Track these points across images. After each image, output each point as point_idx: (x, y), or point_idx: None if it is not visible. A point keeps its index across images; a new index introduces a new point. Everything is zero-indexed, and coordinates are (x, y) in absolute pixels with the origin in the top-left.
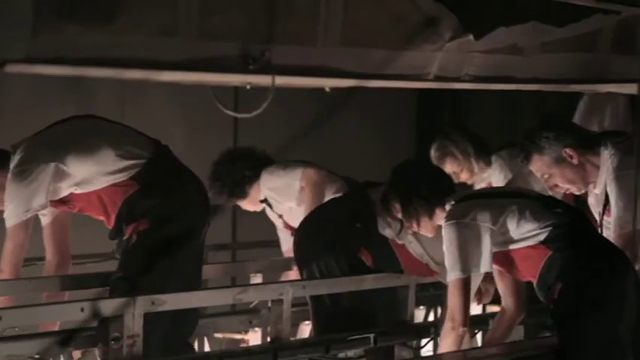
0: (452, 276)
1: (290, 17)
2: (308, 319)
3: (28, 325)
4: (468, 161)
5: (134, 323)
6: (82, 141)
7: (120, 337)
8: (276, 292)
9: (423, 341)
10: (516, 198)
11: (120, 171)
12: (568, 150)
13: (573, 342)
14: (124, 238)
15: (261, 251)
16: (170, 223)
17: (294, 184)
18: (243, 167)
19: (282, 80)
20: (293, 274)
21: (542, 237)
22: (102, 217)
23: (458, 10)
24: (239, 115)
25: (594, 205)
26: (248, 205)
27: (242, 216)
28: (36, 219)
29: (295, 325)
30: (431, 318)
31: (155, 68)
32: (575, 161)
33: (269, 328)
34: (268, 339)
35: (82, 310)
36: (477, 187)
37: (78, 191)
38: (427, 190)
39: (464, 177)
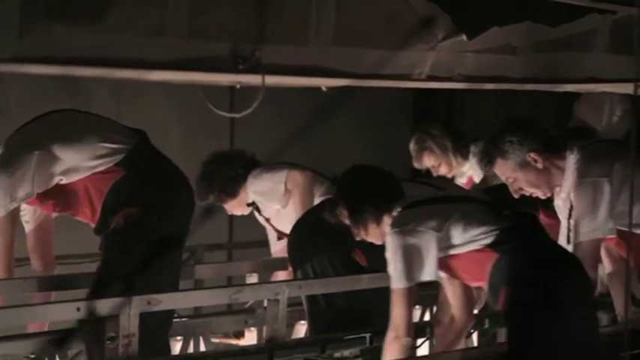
0: (396, 285)
1: (281, 17)
2: (303, 319)
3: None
4: (445, 155)
5: (130, 323)
6: (64, 129)
7: (115, 337)
8: (272, 292)
9: (419, 341)
10: (462, 203)
11: (104, 156)
12: (532, 154)
13: (523, 347)
14: (110, 227)
15: (257, 251)
16: (159, 209)
17: (278, 187)
18: (236, 166)
19: (272, 80)
20: (284, 274)
21: (488, 240)
22: (86, 215)
23: (451, 10)
24: (228, 115)
25: (561, 208)
26: (236, 206)
27: (238, 216)
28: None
29: (291, 325)
30: (427, 317)
31: (145, 68)
32: (539, 165)
33: (264, 328)
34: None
35: (78, 309)
36: (459, 180)
37: (64, 181)
38: (375, 196)
39: (443, 171)
